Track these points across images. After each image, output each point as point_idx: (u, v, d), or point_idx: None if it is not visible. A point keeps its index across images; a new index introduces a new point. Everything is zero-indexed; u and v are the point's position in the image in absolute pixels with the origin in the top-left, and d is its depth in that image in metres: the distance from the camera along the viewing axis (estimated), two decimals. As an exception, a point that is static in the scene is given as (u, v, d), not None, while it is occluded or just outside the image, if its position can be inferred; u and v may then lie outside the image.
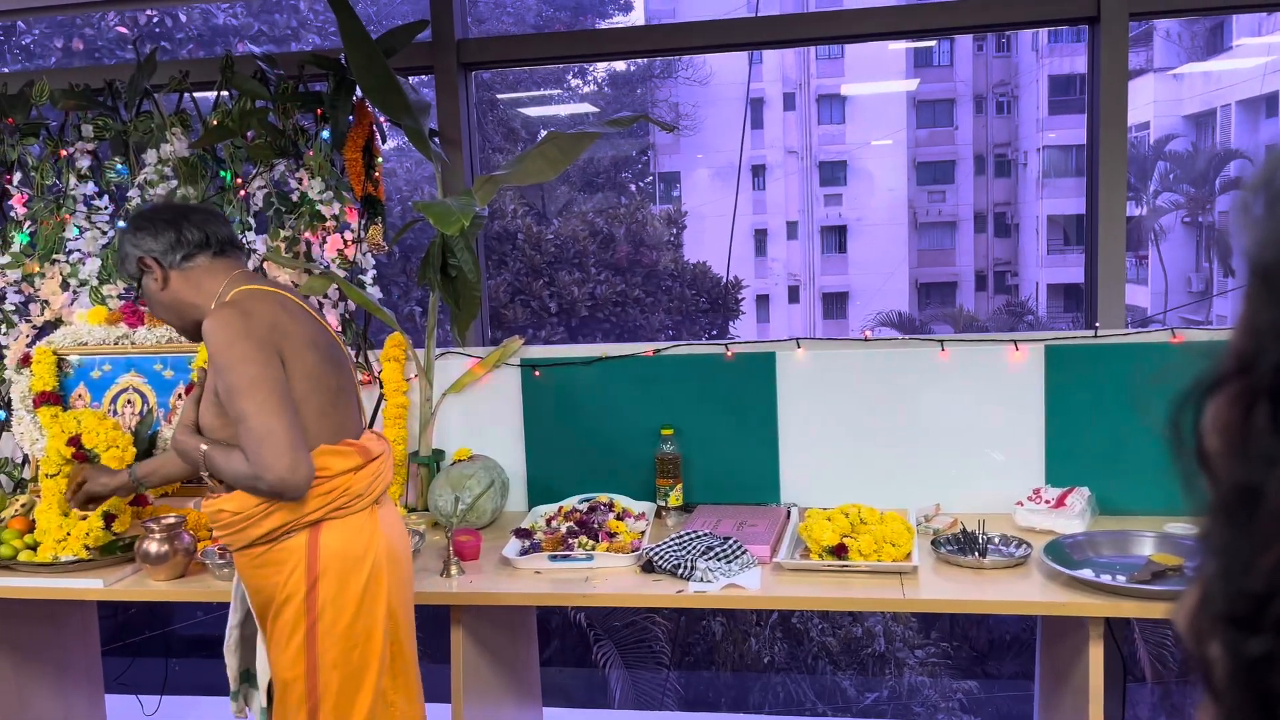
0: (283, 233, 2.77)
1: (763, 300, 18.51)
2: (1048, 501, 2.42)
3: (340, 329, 2.80)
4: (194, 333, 1.95)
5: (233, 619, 2.08)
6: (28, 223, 2.91)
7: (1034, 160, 19.17)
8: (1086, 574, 2.06)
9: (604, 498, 2.65)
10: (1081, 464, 2.53)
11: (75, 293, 2.94)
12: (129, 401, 2.90)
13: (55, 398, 2.89)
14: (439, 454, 2.79)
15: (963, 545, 2.26)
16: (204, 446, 1.83)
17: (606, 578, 2.24)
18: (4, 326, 2.98)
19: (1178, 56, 16.96)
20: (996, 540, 2.28)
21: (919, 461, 2.62)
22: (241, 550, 1.87)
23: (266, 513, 1.81)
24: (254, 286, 1.89)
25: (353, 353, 2.78)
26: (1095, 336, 2.54)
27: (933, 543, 2.29)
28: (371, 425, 2.82)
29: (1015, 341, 2.57)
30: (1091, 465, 2.53)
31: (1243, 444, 0.40)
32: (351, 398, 1.95)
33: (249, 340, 1.75)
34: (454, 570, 2.27)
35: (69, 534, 2.39)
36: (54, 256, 2.91)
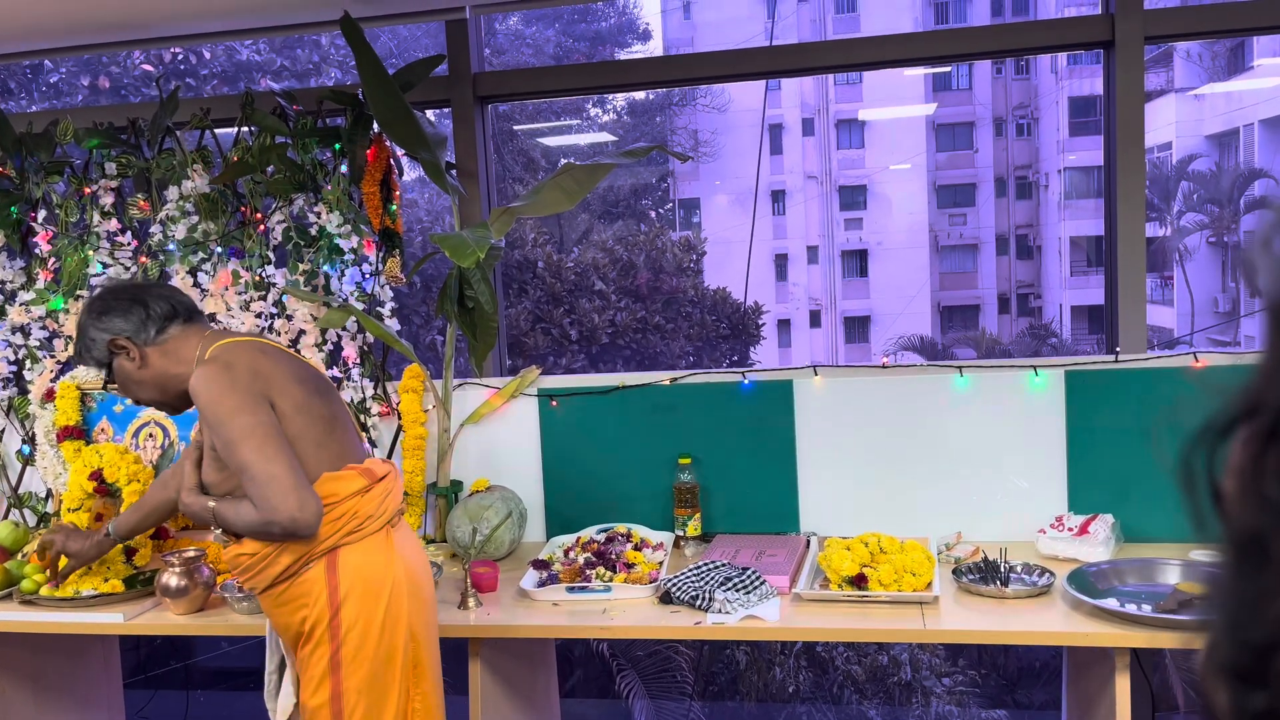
0: (301, 266, 2.80)
1: (784, 325, 18.48)
2: (1071, 529, 2.38)
3: (359, 361, 2.82)
4: (177, 404, 1.98)
5: (269, 664, 2.09)
6: (51, 260, 2.96)
7: (1055, 182, 19.09)
8: (1111, 603, 2.03)
9: (622, 528, 2.64)
10: (1105, 491, 2.50)
11: (98, 328, 2.97)
12: (150, 435, 2.92)
13: (78, 432, 2.92)
14: (457, 485, 2.79)
15: (984, 574, 2.23)
16: (212, 504, 1.85)
17: (624, 609, 2.23)
18: (29, 362, 3.01)
19: (1198, 77, 16.89)
20: (1019, 569, 2.25)
21: (939, 489, 2.59)
22: (265, 591, 1.89)
23: (281, 548, 1.82)
24: (228, 341, 1.91)
25: (367, 387, 2.81)
26: (1116, 361, 2.51)
27: (954, 572, 2.26)
28: (390, 456, 2.82)
29: (1035, 367, 2.54)
30: (1115, 492, 2.49)
31: (1253, 488, 0.38)
32: (347, 424, 1.96)
33: (236, 392, 1.78)
34: (472, 602, 2.27)
35: (90, 568, 2.40)
36: (78, 292, 2.95)
